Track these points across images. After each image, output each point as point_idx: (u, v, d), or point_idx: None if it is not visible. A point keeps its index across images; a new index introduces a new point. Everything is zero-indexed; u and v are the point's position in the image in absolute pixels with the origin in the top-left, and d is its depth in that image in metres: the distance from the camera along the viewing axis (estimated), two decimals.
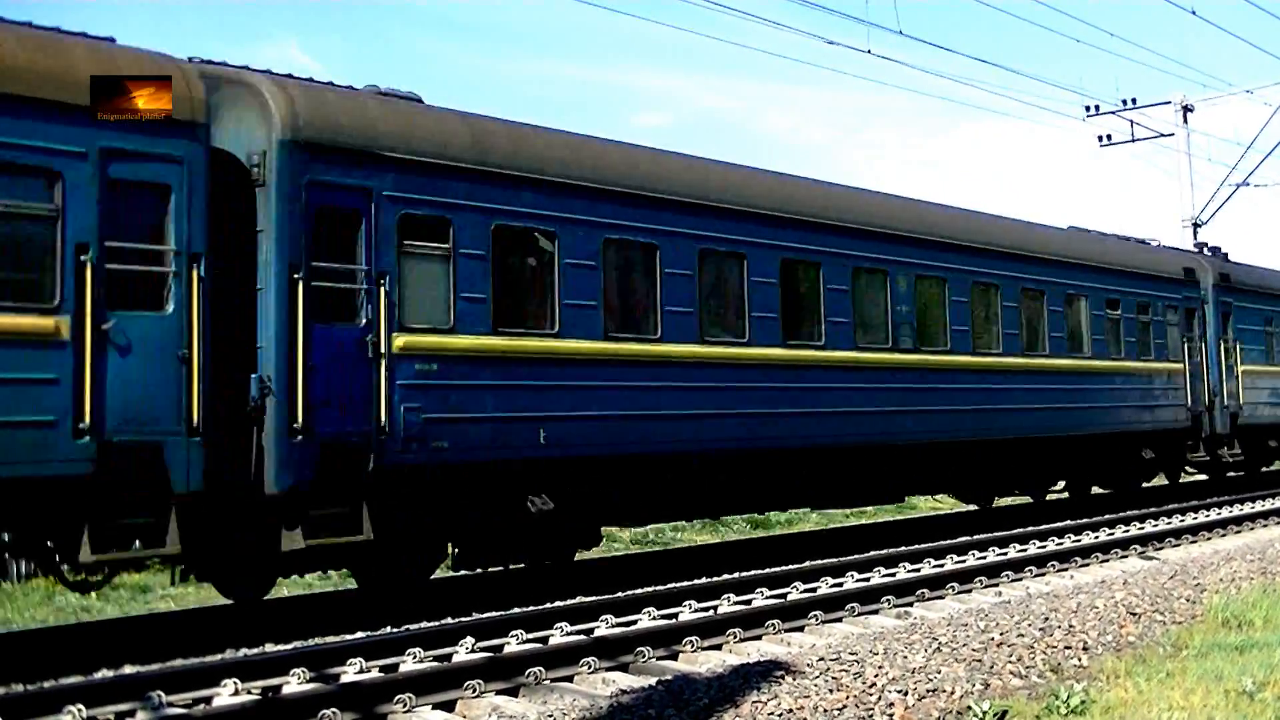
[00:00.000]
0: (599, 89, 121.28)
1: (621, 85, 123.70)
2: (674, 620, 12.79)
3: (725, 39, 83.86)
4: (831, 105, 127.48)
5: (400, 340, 13.28)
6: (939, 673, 9.84)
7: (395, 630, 12.79)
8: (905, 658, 10.22)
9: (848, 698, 9.02)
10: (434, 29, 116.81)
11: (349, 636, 12.57)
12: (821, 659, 10.21)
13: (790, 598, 14.18)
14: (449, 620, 13.37)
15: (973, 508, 26.67)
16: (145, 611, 16.83)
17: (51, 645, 13.14)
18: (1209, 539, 20.79)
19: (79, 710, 9.05)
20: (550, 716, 8.64)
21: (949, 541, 19.14)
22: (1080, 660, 10.66)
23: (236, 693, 9.81)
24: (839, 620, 13.29)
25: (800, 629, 12.85)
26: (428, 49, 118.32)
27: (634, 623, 12.79)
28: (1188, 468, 30.64)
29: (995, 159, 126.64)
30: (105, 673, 11.21)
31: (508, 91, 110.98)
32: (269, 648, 12.33)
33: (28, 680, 10.96)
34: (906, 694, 9.23)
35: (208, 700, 9.70)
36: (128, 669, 11.37)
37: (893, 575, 15.91)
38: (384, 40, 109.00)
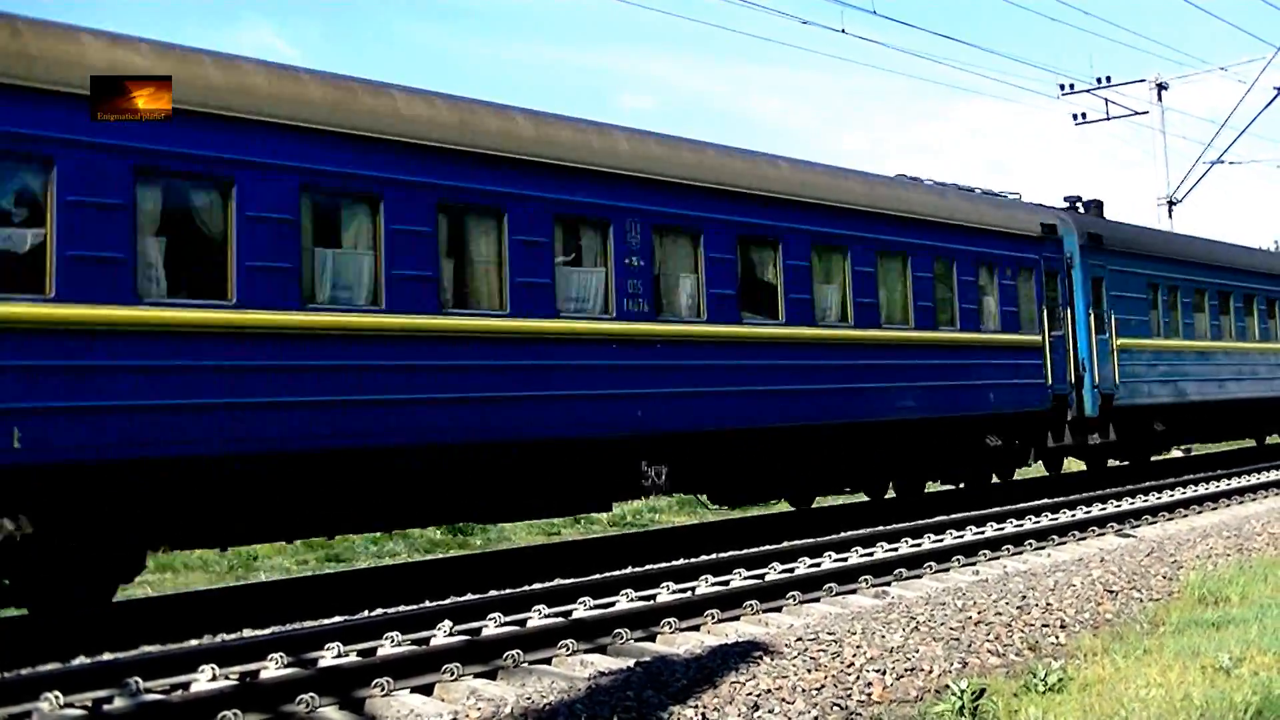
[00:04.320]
0: (583, 73, 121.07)
1: (605, 69, 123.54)
2: (652, 602, 12.78)
3: (705, 20, 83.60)
4: (810, 86, 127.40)
5: None
6: (917, 652, 9.86)
7: (372, 614, 12.76)
8: (883, 637, 10.23)
9: (826, 677, 9.02)
10: (413, 13, 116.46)
11: (326, 621, 12.52)
12: (799, 639, 10.20)
13: (768, 578, 14.18)
14: (427, 603, 13.34)
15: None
16: (123, 598, 16.76)
17: (27, 632, 13.07)
18: (1185, 516, 20.86)
19: (56, 697, 9.01)
20: (529, 699, 8.60)
21: (926, 521, 19.18)
22: (1058, 638, 10.69)
23: (214, 678, 9.74)
24: (817, 600, 13.30)
25: (778, 609, 12.85)
26: (407, 33, 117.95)
27: (612, 604, 12.77)
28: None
29: (975, 138, 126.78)
30: (82, 659, 11.14)
31: (490, 75, 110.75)
32: (246, 632, 12.28)
33: (4, 667, 10.90)
34: (884, 673, 9.25)
35: (185, 686, 9.64)
36: (105, 655, 11.30)
37: (870, 555, 15.91)
38: (361, 24, 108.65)
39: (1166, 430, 28.32)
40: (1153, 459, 31.35)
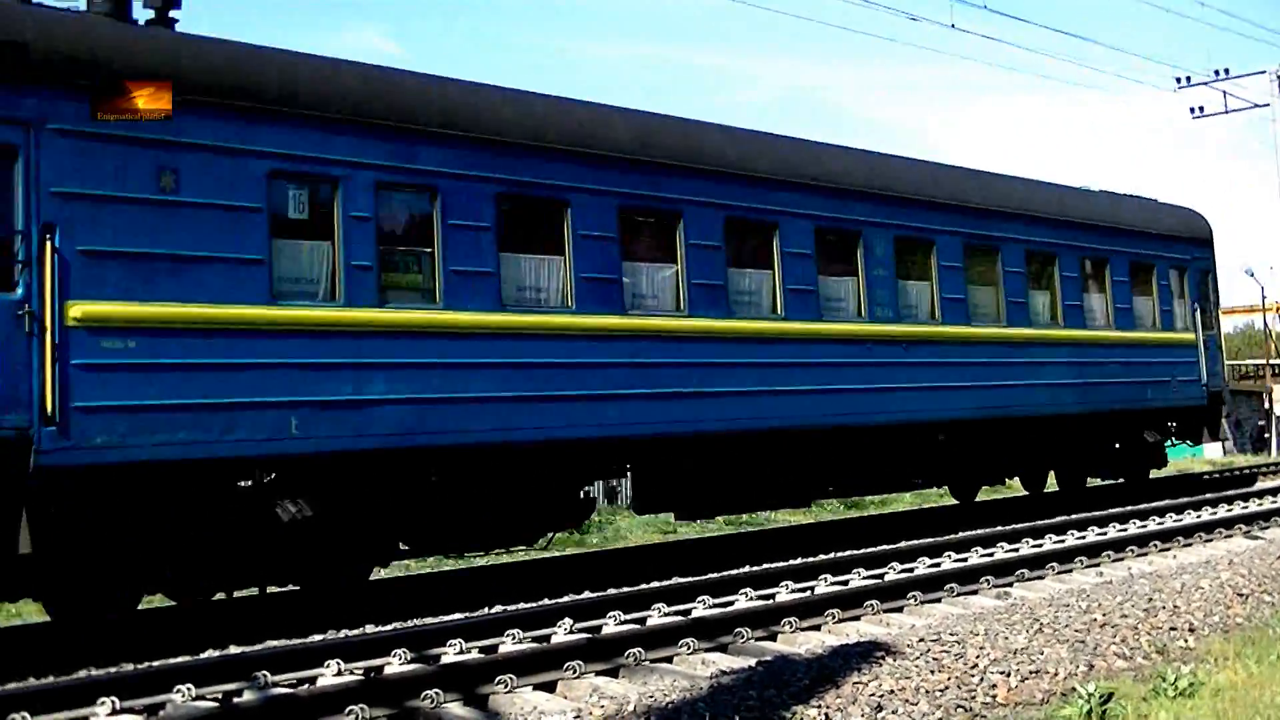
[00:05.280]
0: (697, 71, 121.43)
1: (713, 66, 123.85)
2: (771, 601, 12.75)
3: (812, 18, 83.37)
4: (916, 81, 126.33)
5: None
6: (1041, 654, 9.74)
7: (492, 611, 12.85)
8: (1006, 638, 10.12)
9: (949, 679, 8.95)
10: (524, 14, 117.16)
11: (447, 618, 12.64)
12: (921, 640, 10.11)
13: (888, 578, 14.08)
14: (546, 601, 13.43)
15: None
16: (241, 594, 17.02)
17: (156, 626, 13.33)
18: None
19: (188, 689, 9.16)
20: (651, 697, 8.61)
21: (1047, 521, 18.96)
22: (1186, 641, 10.51)
23: (339, 673, 9.87)
24: (938, 601, 13.16)
25: (899, 609, 12.74)
26: (519, 36, 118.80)
27: (731, 603, 12.74)
28: None
29: (1087, 133, 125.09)
30: (211, 653, 11.36)
31: (602, 76, 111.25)
32: (369, 629, 12.42)
33: (136, 660, 11.14)
34: (1009, 675, 9.16)
35: (312, 680, 9.78)
36: (233, 649, 11.53)
37: (990, 555, 15.73)
38: (469, 27, 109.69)
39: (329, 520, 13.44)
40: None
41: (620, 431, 15.61)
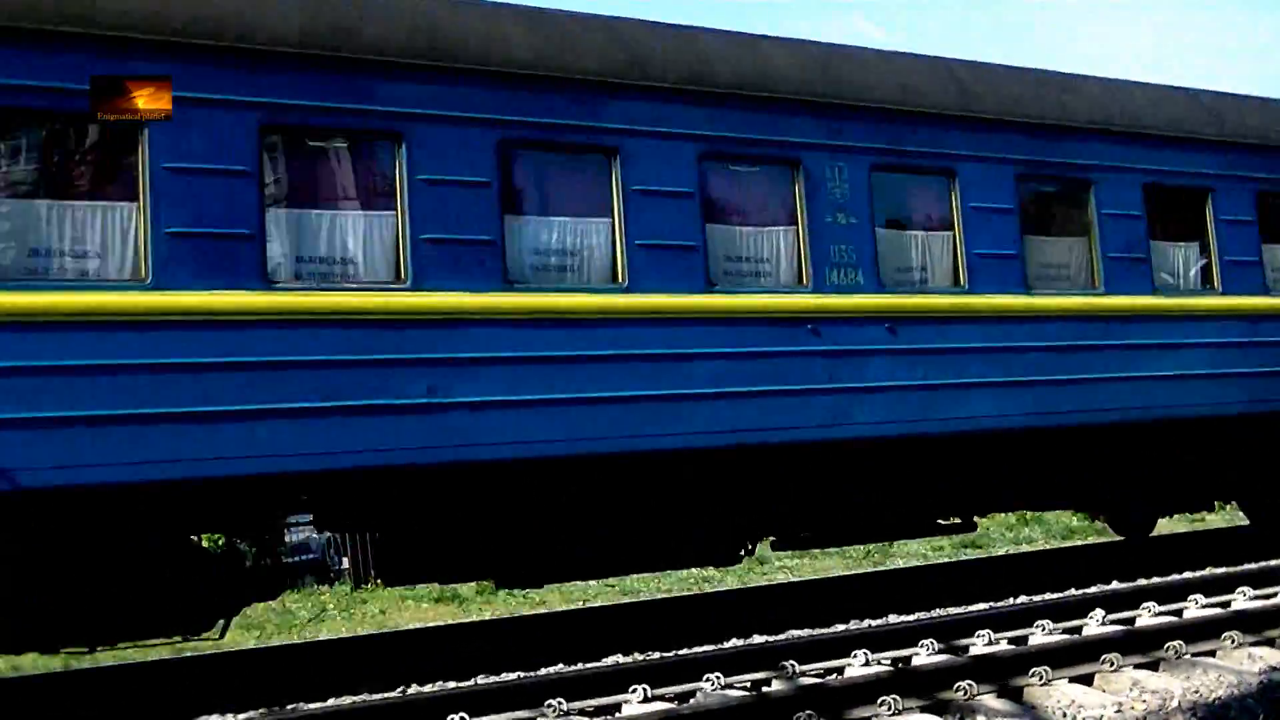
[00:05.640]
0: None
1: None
2: None
3: None
4: None
5: None
6: None
7: (1016, 601, 12.64)
8: None
9: None
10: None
11: (972, 608, 12.49)
12: None
13: None
14: (1072, 591, 13.09)
15: None
16: (764, 582, 17.45)
17: (675, 614, 13.77)
18: None
19: (717, 678, 9.35)
20: (1195, 692, 8.27)
21: None
22: None
23: (867, 663, 9.86)
24: None
25: None
26: (1011, 15, 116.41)
27: (1275, 594, 12.03)
28: None
29: None
30: (735, 642, 11.59)
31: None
32: (892, 619, 12.41)
33: (663, 649, 11.48)
34: None
35: (839, 670, 9.79)
36: (756, 639, 11.71)
37: None
38: (960, 8, 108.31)
39: None
40: None
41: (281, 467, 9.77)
